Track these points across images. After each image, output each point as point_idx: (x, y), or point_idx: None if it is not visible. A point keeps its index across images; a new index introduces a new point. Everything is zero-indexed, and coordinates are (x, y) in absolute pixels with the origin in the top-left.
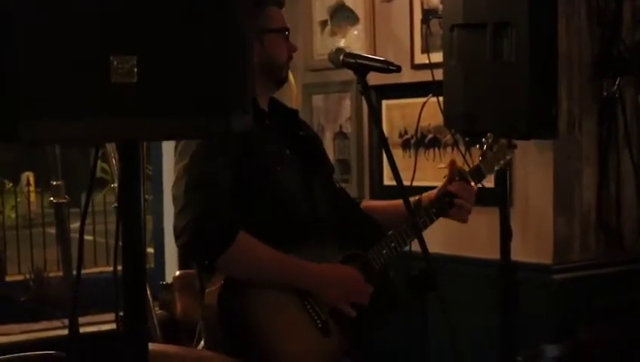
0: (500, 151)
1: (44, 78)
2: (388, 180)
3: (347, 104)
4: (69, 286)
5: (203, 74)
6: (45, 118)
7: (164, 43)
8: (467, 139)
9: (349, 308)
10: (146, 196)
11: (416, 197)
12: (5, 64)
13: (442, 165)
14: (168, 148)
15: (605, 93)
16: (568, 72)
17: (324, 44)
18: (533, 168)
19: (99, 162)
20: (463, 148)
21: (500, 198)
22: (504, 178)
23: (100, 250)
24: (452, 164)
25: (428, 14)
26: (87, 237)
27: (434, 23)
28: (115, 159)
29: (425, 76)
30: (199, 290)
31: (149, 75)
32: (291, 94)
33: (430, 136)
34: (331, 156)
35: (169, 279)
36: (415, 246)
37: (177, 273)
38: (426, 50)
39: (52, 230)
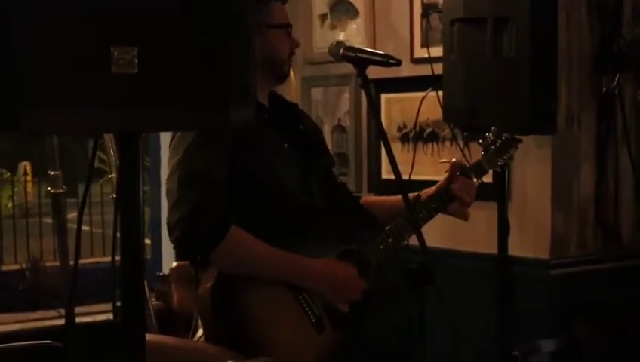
0: (503, 146)
1: (45, 68)
2: (386, 174)
3: (346, 97)
4: (66, 276)
5: (204, 66)
6: (45, 108)
7: (166, 34)
8: (466, 133)
9: (341, 304)
10: (144, 188)
11: (415, 194)
12: (6, 54)
13: (444, 159)
14: (166, 139)
15: (604, 89)
16: (568, 67)
17: (323, 37)
18: (531, 163)
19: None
20: (461, 143)
21: (498, 193)
22: (502, 173)
23: (96, 241)
24: (454, 161)
25: (428, 8)
26: (84, 228)
27: (434, 17)
28: (113, 150)
29: (424, 70)
30: (194, 282)
31: (150, 66)
32: (290, 87)
33: (429, 130)
34: (329, 150)
35: (166, 270)
36: (413, 240)
37: (174, 264)
38: (425, 44)
39: (49, 220)
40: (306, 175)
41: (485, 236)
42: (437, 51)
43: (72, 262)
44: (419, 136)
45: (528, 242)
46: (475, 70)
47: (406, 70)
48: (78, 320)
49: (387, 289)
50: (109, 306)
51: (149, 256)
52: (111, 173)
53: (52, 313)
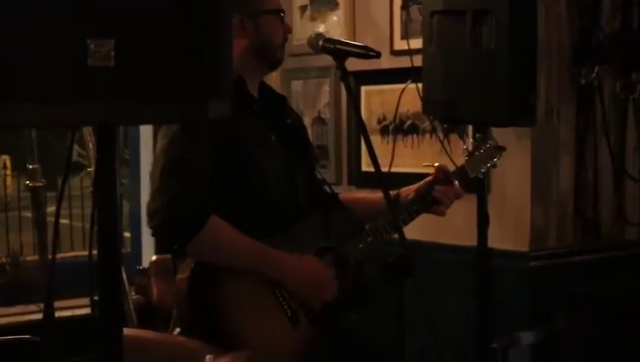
0: (487, 152)
1: (20, 61)
2: (366, 166)
3: (326, 90)
4: (45, 270)
5: (181, 59)
6: (21, 101)
7: (142, 27)
8: (446, 126)
9: (313, 302)
10: (123, 181)
11: (395, 192)
12: None
13: (428, 163)
14: (146, 132)
15: (583, 82)
16: (547, 59)
17: (303, 29)
18: (511, 155)
19: (75, 146)
20: (441, 135)
21: (478, 186)
22: None
23: (76, 234)
24: (439, 166)
25: (408, 0)
26: (64, 221)
27: (413, 9)
28: (92, 143)
29: (404, 62)
30: (173, 275)
31: (127, 59)
32: (270, 79)
33: (409, 122)
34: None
35: (145, 264)
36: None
37: (154, 258)
38: (405, 36)
39: (29, 214)
40: (290, 169)
41: (465, 228)
42: (417, 43)
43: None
44: (399, 128)
45: (508, 234)
46: (455, 62)
47: (386, 62)
48: (58, 314)
49: (366, 287)
50: (88, 300)
51: (128, 250)
52: (90, 167)
53: (32, 307)
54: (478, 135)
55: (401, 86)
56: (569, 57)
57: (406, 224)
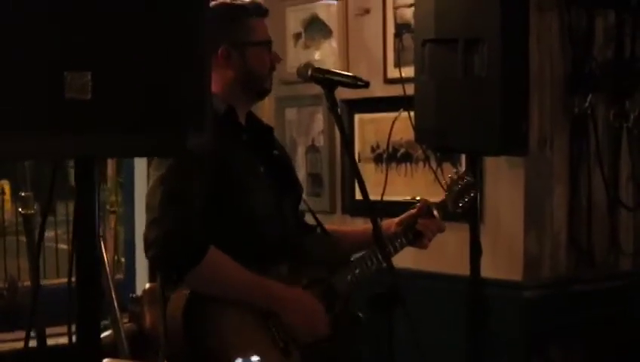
0: (464, 188)
1: None
2: (360, 195)
3: (319, 118)
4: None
5: (159, 92)
6: None
7: (120, 59)
8: (439, 154)
9: (305, 336)
10: (114, 208)
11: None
12: None
13: (409, 198)
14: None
15: (577, 110)
16: (540, 88)
17: (297, 56)
18: (504, 184)
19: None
20: (434, 164)
21: (470, 215)
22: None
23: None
24: (422, 200)
25: (401, 28)
26: (62, 246)
27: (407, 37)
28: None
29: (397, 90)
30: (161, 299)
31: (104, 92)
32: (263, 107)
33: (402, 150)
34: (303, 170)
35: (139, 291)
36: None
37: (147, 286)
38: (398, 64)
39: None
40: (279, 201)
41: (458, 257)
42: (410, 71)
43: (43, 282)
44: (392, 156)
45: (501, 264)
46: (447, 91)
47: (379, 90)
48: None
49: (355, 318)
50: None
51: (122, 276)
52: None
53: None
54: (454, 171)
55: (394, 114)
56: (562, 86)
57: (391, 256)
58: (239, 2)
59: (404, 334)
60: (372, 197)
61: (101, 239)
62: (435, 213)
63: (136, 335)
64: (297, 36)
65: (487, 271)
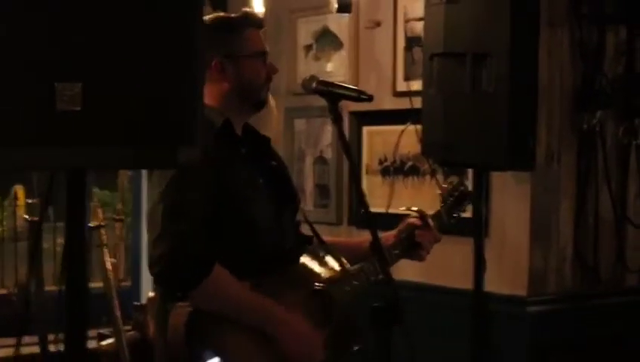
0: (459, 198)
1: None
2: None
3: (328, 129)
4: (40, 303)
5: (150, 104)
6: None
7: (111, 71)
8: (446, 168)
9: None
10: (121, 217)
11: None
12: None
13: (404, 209)
14: None
15: (585, 126)
16: (548, 103)
17: (307, 68)
18: (510, 199)
19: None
20: (441, 178)
21: (475, 229)
22: (480, 209)
23: None
24: (419, 212)
25: (411, 42)
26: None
27: (417, 51)
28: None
29: (406, 104)
30: (160, 309)
31: (95, 103)
32: (271, 118)
33: (409, 164)
34: (311, 181)
35: (144, 300)
36: None
37: (151, 294)
38: (407, 77)
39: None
40: (278, 212)
41: (462, 271)
42: (418, 85)
43: (47, 288)
44: (399, 169)
45: (506, 278)
46: (454, 105)
47: (388, 103)
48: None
49: (353, 329)
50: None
51: (128, 284)
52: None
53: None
54: (449, 181)
55: (402, 127)
56: (571, 101)
57: (388, 268)
58: (233, 15)
59: (403, 349)
60: (378, 210)
61: (105, 247)
62: (431, 223)
63: (139, 344)
64: (308, 48)
65: (492, 285)
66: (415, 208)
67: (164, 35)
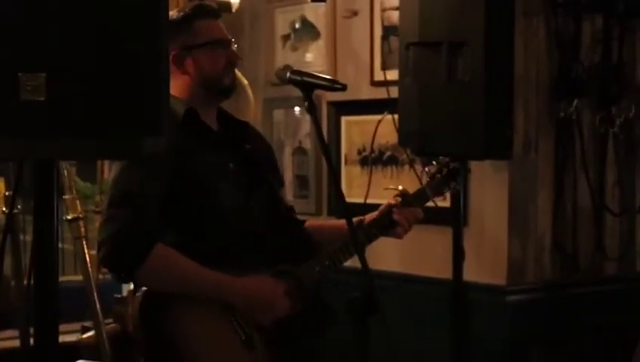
0: (449, 175)
1: None
2: (346, 197)
3: (307, 119)
4: (21, 296)
5: (115, 94)
6: None
7: (75, 62)
8: (424, 158)
9: (263, 318)
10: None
11: (359, 218)
12: None
13: (392, 186)
14: None
15: (562, 115)
16: (525, 92)
17: (285, 58)
18: (488, 188)
19: None
20: (419, 167)
21: (454, 218)
22: (458, 198)
23: (68, 258)
24: (400, 189)
25: (388, 31)
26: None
27: (394, 40)
28: (67, 170)
29: (384, 93)
30: (131, 299)
31: (59, 94)
32: (249, 108)
33: (388, 153)
34: (290, 172)
35: (125, 293)
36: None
37: (132, 286)
38: (384, 67)
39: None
40: (248, 197)
41: (442, 261)
42: (395, 74)
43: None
44: (378, 159)
45: (485, 268)
46: (430, 94)
47: (366, 93)
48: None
49: (322, 309)
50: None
51: (109, 277)
52: (63, 194)
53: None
54: (441, 158)
55: (380, 117)
56: (548, 90)
57: (364, 247)
58: (188, 8)
59: (380, 337)
60: (357, 200)
61: (84, 239)
62: (411, 200)
63: (120, 336)
64: (286, 38)
65: (471, 275)
66: (401, 187)
67: (127, 25)
